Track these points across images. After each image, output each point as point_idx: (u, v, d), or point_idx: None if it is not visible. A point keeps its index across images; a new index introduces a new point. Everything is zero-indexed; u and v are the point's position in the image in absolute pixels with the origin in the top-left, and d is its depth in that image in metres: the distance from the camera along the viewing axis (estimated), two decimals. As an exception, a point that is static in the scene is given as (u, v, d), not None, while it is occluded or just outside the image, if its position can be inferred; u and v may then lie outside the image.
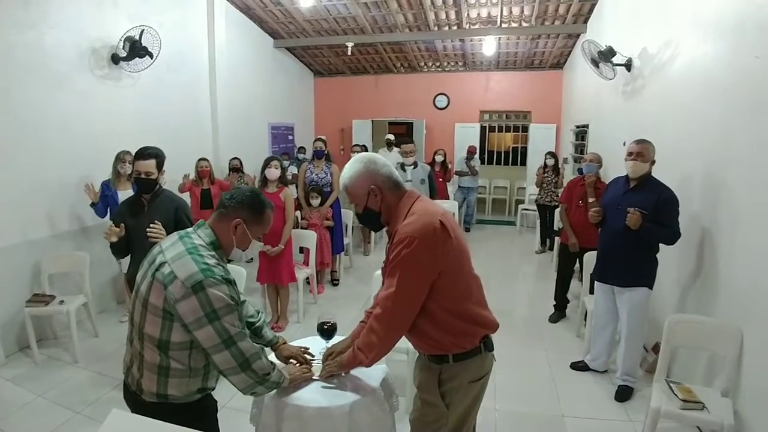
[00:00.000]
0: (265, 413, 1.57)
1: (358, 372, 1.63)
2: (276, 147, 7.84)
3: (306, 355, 1.74)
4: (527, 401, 2.83)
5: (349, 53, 7.47)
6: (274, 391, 1.54)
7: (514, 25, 6.68)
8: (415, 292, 1.41)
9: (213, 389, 1.51)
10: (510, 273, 5.60)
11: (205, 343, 1.30)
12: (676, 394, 2.13)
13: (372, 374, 1.64)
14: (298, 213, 4.83)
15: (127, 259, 2.68)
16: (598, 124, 5.61)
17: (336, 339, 1.81)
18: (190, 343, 1.34)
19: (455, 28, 6.93)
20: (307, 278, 4.28)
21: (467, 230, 7.66)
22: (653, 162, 2.72)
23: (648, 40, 3.82)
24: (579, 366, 3.18)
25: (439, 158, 6.67)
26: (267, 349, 1.75)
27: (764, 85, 2.14)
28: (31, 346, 3.21)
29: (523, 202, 8.00)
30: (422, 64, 8.79)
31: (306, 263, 4.32)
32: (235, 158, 5.83)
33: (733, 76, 2.47)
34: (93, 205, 3.67)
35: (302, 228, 4.49)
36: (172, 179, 4.75)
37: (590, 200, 3.43)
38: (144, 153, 2.48)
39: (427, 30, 6.98)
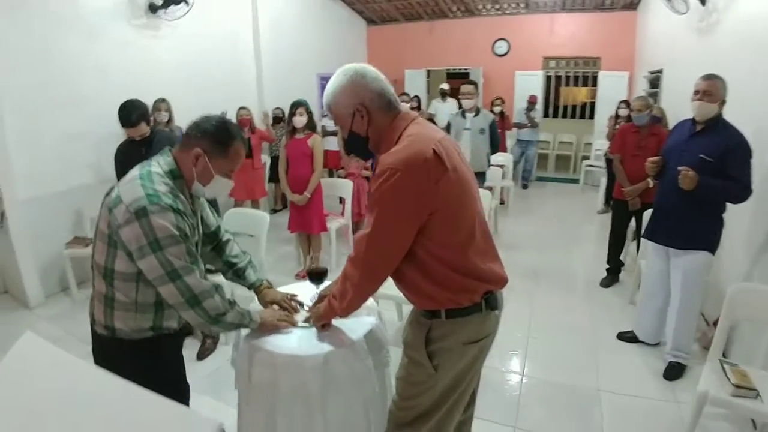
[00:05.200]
0: (240, 356, 1.47)
1: (342, 322, 1.46)
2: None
3: (293, 302, 1.60)
4: (561, 370, 2.55)
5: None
6: (247, 332, 1.43)
7: (586, -47, 5.82)
8: (394, 236, 1.19)
9: (175, 330, 1.40)
10: (566, 233, 5.13)
11: (148, 274, 1.22)
12: (728, 378, 1.77)
13: (355, 325, 1.47)
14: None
15: None
16: (672, 68, 4.84)
17: (326, 285, 1.64)
18: (137, 275, 1.25)
19: (518, -40, 6.19)
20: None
21: (525, 187, 7.17)
22: (723, 102, 2.23)
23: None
24: (627, 336, 2.82)
25: (497, 108, 6.13)
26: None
27: None
28: (70, 286, 3.38)
29: (588, 158, 7.28)
30: (480, 6, 8.02)
31: (342, 213, 4.20)
32: (278, 108, 5.76)
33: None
34: None
35: (340, 177, 4.35)
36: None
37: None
38: (131, 120, 2.56)
39: (486, -36, 6.29)
